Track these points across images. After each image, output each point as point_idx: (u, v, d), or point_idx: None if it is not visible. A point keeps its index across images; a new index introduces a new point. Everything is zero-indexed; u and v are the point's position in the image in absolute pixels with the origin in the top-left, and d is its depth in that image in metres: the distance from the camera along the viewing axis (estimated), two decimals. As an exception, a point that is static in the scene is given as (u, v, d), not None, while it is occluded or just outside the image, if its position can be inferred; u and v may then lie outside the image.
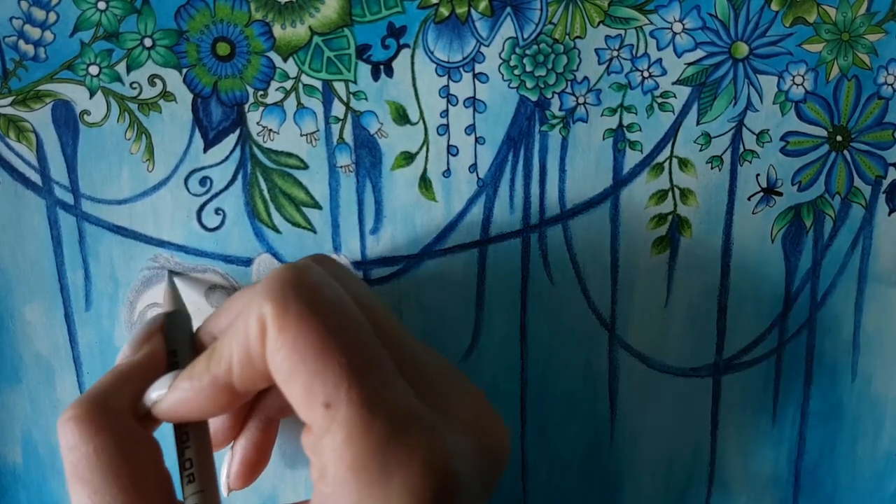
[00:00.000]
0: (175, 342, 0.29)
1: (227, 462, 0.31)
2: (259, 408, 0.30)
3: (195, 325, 0.30)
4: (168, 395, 0.27)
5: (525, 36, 0.33)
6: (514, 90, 0.33)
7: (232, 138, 0.33)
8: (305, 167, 0.33)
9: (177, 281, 0.33)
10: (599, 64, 0.33)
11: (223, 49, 0.32)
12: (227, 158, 0.33)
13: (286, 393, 0.25)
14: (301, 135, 0.33)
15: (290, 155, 0.33)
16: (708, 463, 0.37)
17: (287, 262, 0.27)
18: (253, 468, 0.31)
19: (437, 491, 0.24)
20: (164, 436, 0.28)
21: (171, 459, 0.28)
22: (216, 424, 0.30)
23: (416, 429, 0.24)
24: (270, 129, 0.33)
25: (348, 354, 0.24)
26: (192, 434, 0.28)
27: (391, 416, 0.24)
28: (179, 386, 0.27)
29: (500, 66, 0.33)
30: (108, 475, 0.25)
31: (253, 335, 0.25)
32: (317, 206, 0.34)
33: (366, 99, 0.33)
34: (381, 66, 0.33)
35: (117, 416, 0.26)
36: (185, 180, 0.33)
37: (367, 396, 0.24)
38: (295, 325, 0.24)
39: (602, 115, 0.34)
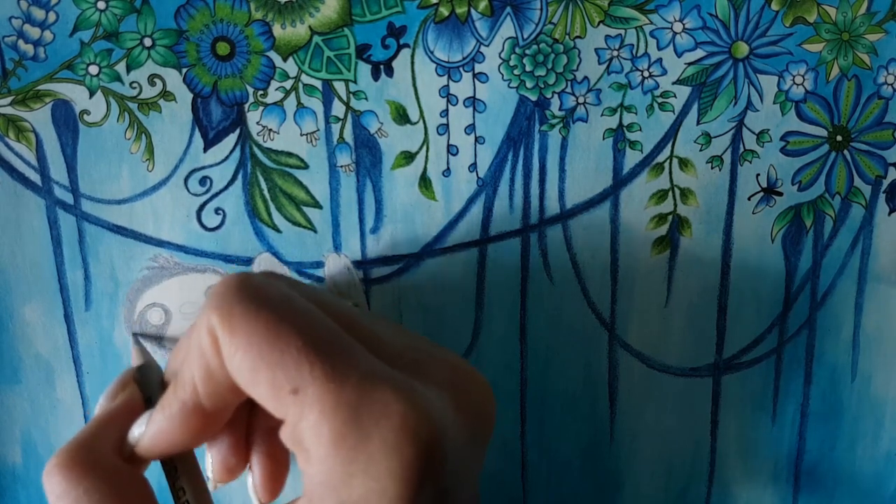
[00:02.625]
0: (149, 389, 0.29)
1: (251, 481, 0.31)
2: (258, 420, 0.30)
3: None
4: (146, 429, 0.27)
5: (525, 36, 0.33)
6: (513, 90, 0.33)
7: (232, 138, 0.33)
8: (305, 167, 0.33)
9: (177, 280, 0.33)
10: (599, 64, 0.33)
11: (223, 49, 0.32)
12: (226, 158, 0.33)
13: (253, 395, 0.24)
14: (301, 134, 0.33)
15: (290, 155, 0.33)
16: (708, 463, 0.37)
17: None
18: (275, 478, 0.31)
19: (420, 446, 0.23)
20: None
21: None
22: (224, 450, 0.30)
23: (385, 387, 0.24)
24: (270, 129, 0.33)
25: (303, 337, 0.24)
26: (179, 466, 0.28)
27: (358, 381, 0.24)
28: (154, 419, 0.27)
29: (499, 65, 0.33)
30: None
31: (207, 349, 0.25)
32: (317, 205, 0.34)
33: (366, 99, 0.33)
34: (381, 66, 0.33)
35: (102, 458, 0.27)
36: (185, 180, 0.33)
37: (330, 369, 0.24)
38: (244, 324, 0.24)
39: (602, 114, 0.34)
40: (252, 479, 0.31)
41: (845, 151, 0.35)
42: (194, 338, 0.25)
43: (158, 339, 0.34)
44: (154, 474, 0.28)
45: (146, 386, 0.30)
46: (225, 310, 0.24)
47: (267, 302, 0.24)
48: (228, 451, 0.30)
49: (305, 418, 0.23)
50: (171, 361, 0.29)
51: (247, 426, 0.31)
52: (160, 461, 0.28)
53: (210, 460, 0.30)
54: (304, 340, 0.24)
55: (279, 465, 0.31)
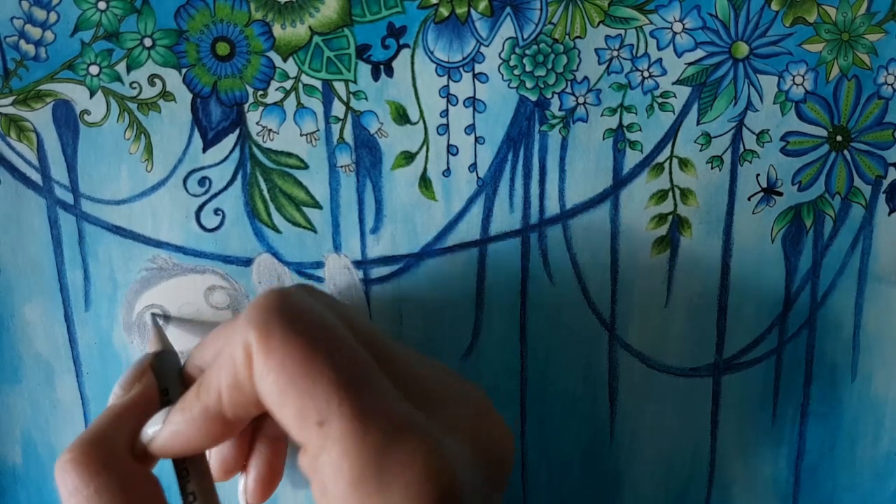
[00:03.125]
0: (165, 380, 0.29)
1: (243, 482, 0.31)
2: (265, 427, 0.31)
3: (190, 330, 0.31)
4: (162, 430, 0.27)
5: (525, 36, 0.33)
6: (513, 90, 0.33)
7: (231, 138, 0.33)
8: (305, 167, 0.33)
9: (176, 281, 0.33)
10: (599, 64, 0.33)
11: (223, 49, 0.32)
12: (226, 158, 0.33)
13: (278, 416, 0.25)
14: (301, 135, 0.33)
15: (290, 155, 0.33)
16: (708, 463, 0.37)
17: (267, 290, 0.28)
18: (267, 484, 0.31)
19: (439, 496, 0.24)
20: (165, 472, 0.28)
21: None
22: (226, 450, 0.30)
23: (411, 436, 0.24)
24: (270, 129, 0.33)
25: (336, 370, 0.24)
26: (191, 468, 0.28)
27: (385, 425, 0.24)
28: (172, 420, 0.27)
29: (499, 66, 0.33)
30: None
31: (240, 363, 0.25)
32: (317, 205, 0.34)
33: (366, 99, 0.33)
34: (381, 66, 0.33)
35: (115, 455, 0.27)
36: (184, 180, 0.33)
37: (358, 409, 0.24)
38: (280, 348, 0.24)
39: (602, 115, 0.34)
40: (244, 481, 0.31)
41: (845, 151, 0.35)
42: (228, 347, 0.25)
43: (179, 321, 0.34)
44: (161, 473, 0.28)
45: (163, 375, 0.29)
46: (264, 330, 0.24)
47: (305, 328, 0.25)
48: (230, 452, 0.30)
49: (327, 452, 0.24)
50: (197, 356, 0.29)
51: (252, 430, 0.31)
52: (173, 463, 0.28)
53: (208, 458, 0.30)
54: (338, 374, 0.24)
55: (274, 472, 0.31)
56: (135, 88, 0.32)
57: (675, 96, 0.34)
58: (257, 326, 0.24)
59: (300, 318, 0.25)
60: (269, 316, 0.25)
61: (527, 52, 0.33)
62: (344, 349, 0.25)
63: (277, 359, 0.24)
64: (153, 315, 0.33)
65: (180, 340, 0.34)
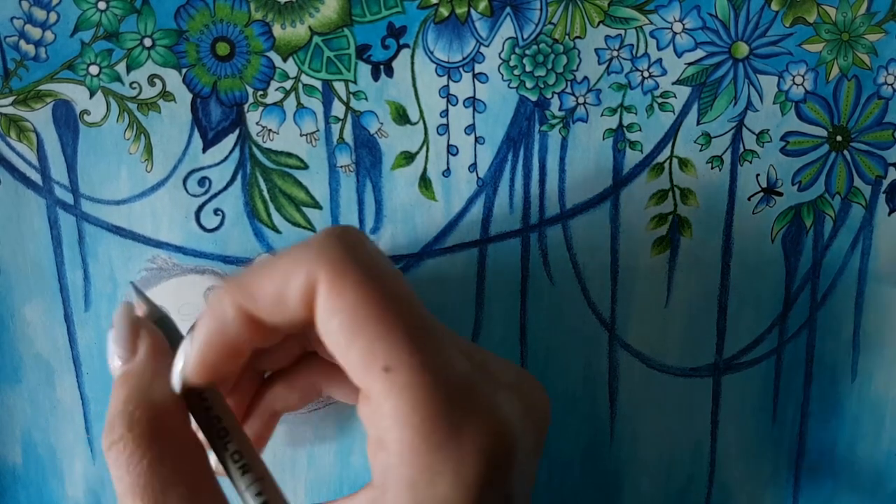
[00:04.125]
0: (174, 335, 0.28)
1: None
2: (264, 400, 0.30)
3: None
4: (193, 341, 0.25)
5: (525, 36, 0.33)
6: (513, 90, 0.33)
7: (231, 138, 0.33)
8: (305, 167, 0.33)
9: (175, 281, 0.33)
10: (599, 64, 0.33)
11: (223, 49, 0.32)
12: (226, 158, 0.33)
13: (340, 357, 0.24)
14: (301, 135, 0.33)
15: (289, 155, 0.33)
16: (708, 463, 0.37)
17: (327, 228, 0.27)
18: None
19: (504, 449, 0.23)
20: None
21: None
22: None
23: (475, 391, 0.24)
24: (270, 129, 0.33)
25: (406, 320, 0.23)
26: (227, 426, 0.26)
27: (451, 380, 0.23)
28: (201, 323, 0.25)
29: (499, 66, 0.33)
30: (165, 484, 0.25)
31: (296, 287, 0.24)
32: (317, 205, 0.34)
33: (366, 99, 0.33)
34: (381, 66, 0.33)
35: (159, 420, 0.25)
36: (184, 180, 0.33)
37: (428, 361, 0.23)
38: (355, 289, 0.23)
39: (602, 115, 0.34)
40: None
41: (845, 151, 0.35)
42: (282, 269, 0.24)
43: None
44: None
45: (171, 333, 0.28)
46: (339, 267, 0.23)
47: (380, 274, 0.24)
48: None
49: (393, 401, 0.23)
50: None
51: (249, 403, 0.30)
52: (201, 425, 0.27)
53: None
54: (408, 323, 0.23)
55: (258, 441, 0.31)
56: (135, 88, 0.32)
57: (675, 96, 0.34)
58: (330, 262, 0.23)
59: (374, 263, 0.24)
60: (344, 254, 0.24)
61: (527, 52, 0.33)
62: (412, 302, 0.24)
63: (350, 300, 0.23)
64: (132, 283, 0.31)
65: (191, 296, 0.34)
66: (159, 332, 0.28)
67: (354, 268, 0.24)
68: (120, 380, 0.26)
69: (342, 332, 0.23)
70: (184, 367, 0.26)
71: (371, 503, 0.24)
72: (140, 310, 0.29)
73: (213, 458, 0.27)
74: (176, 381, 0.26)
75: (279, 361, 0.30)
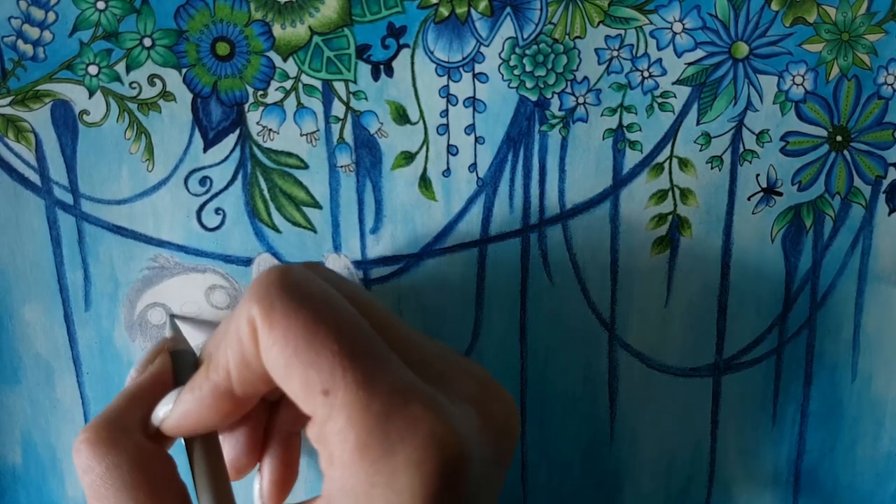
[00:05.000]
0: (182, 373, 0.30)
1: (258, 483, 0.31)
2: (277, 424, 0.31)
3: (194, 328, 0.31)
4: (173, 409, 0.27)
5: (525, 36, 0.33)
6: (513, 90, 0.33)
7: (232, 138, 0.33)
8: (305, 167, 0.33)
9: (177, 280, 0.33)
10: (599, 64, 0.33)
11: (223, 49, 0.32)
12: (226, 158, 0.33)
13: (285, 389, 0.25)
14: (301, 134, 0.33)
15: (290, 155, 0.33)
16: (708, 463, 0.37)
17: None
18: (283, 485, 0.31)
19: (444, 462, 0.24)
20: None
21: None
22: (237, 448, 0.30)
23: (415, 402, 0.24)
24: (270, 129, 0.33)
25: (339, 341, 0.24)
26: (203, 451, 0.28)
27: (389, 392, 0.24)
28: (183, 399, 0.27)
29: (499, 66, 0.33)
30: (123, 490, 0.26)
31: (245, 338, 0.25)
32: (317, 205, 0.34)
33: (366, 99, 0.33)
34: (381, 66, 0.33)
35: (127, 433, 0.27)
36: (185, 180, 0.33)
37: (362, 377, 0.24)
38: (283, 320, 0.24)
39: (602, 115, 0.34)
40: (260, 482, 0.31)
41: (845, 151, 0.35)
42: (233, 324, 0.25)
43: (194, 322, 0.34)
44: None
45: (180, 367, 0.30)
46: (266, 303, 0.24)
47: (307, 299, 0.25)
48: (242, 450, 0.30)
49: (333, 421, 0.24)
50: (208, 345, 0.29)
51: (265, 428, 0.31)
52: (185, 444, 0.28)
53: None
54: (341, 344, 0.24)
55: (290, 471, 0.31)
56: (134, 88, 0.32)
57: (674, 96, 0.34)
58: (259, 300, 0.24)
59: (301, 290, 0.25)
60: (271, 289, 0.25)
61: (527, 52, 0.33)
62: (347, 320, 0.25)
63: (280, 330, 0.24)
64: (171, 316, 0.34)
65: (192, 295, 0.34)
66: (168, 365, 0.30)
67: (281, 298, 0.24)
68: (120, 391, 0.29)
69: (279, 363, 0.24)
70: (163, 419, 0.28)
71: None
72: (169, 336, 0.32)
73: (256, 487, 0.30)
74: (155, 419, 0.28)
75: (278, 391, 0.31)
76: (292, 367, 0.24)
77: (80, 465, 0.26)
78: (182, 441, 0.28)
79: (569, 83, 0.33)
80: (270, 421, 0.30)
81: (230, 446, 0.30)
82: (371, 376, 0.24)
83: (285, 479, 0.31)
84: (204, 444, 0.28)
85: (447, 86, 0.33)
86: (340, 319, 0.25)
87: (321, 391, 0.24)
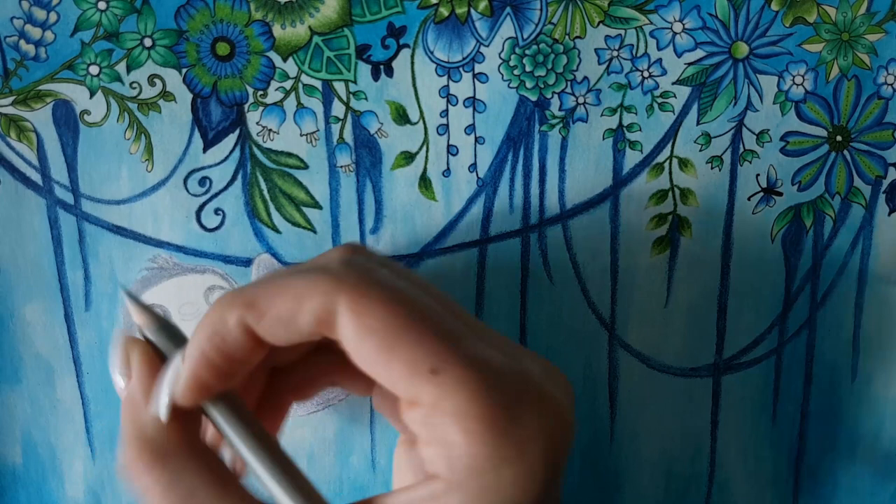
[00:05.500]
0: (171, 341, 0.27)
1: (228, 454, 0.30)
2: (277, 392, 0.30)
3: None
4: (189, 353, 0.25)
5: (525, 36, 0.33)
6: (513, 90, 0.33)
7: (231, 138, 0.33)
8: (305, 167, 0.33)
9: (176, 280, 0.33)
10: (599, 64, 0.33)
11: (223, 49, 0.32)
12: (226, 158, 0.33)
13: (380, 372, 0.24)
14: (301, 135, 0.33)
15: (290, 155, 0.33)
16: (708, 463, 0.37)
17: (334, 251, 0.27)
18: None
19: (564, 430, 0.24)
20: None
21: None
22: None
23: (529, 375, 0.25)
24: (270, 129, 0.33)
25: (440, 325, 0.24)
26: (228, 408, 0.26)
27: (498, 366, 0.24)
28: (194, 343, 0.25)
29: (499, 66, 0.33)
30: (187, 499, 0.25)
31: (310, 312, 0.24)
32: (317, 205, 0.34)
33: (366, 99, 0.33)
34: (381, 66, 0.33)
35: (163, 446, 0.25)
36: (185, 180, 0.33)
37: (473, 353, 0.24)
38: (382, 309, 0.24)
39: (602, 115, 0.34)
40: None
41: (845, 151, 0.35)
42: (293, 287, 0.24)
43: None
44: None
45: (164, 341, 0.27)
46: (361, 292, 0.24)
47: (402, 288, 0.25)
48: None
49: (448, 399, 0.23)
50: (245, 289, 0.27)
51: (263, 393, 0.30)
52: (208, 416, 0.26)
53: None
54: (437, 327, 0.24)
55: (271, 430, 0.30)
56: (135, 88, 0.32)
57: (674, 96, 0.34)
58: (350, 288, 0.24)
59: (391, 278, 0.25)
60: (362, 278, 0.24)
61: (527, 52, 0.33)
62: (440, 303, 0.25)
63: (380, 319, 0.24)
64: (124, 290, 0.29)
65: (191, 295, 0.34)
66: (148, 351, 0.27)
67: (377, 289, 0.24)
68: (123, 403, 0.27)
69: (380, 350, 0.24)
70: (173, 391, 0.25)
71: (433, 494, 0.24)
72: (136, 317, 0.28)
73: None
74: (162, 408, 0.25)
75: (290, 357, 0.30)
76: (395, 350, 0.24)
77: (137, 490, 0.25)
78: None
79: (569, 83, 0.33)
80: (268, 387, 0.29)
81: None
82: (479, 352, 0.24)
83: None
84: (228, 405, 0.26)
85: (447, 86, 0.33)
86: (436, 302, 0.25)
87: (429, 370, 0.23)
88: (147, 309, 0.27)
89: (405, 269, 0.28)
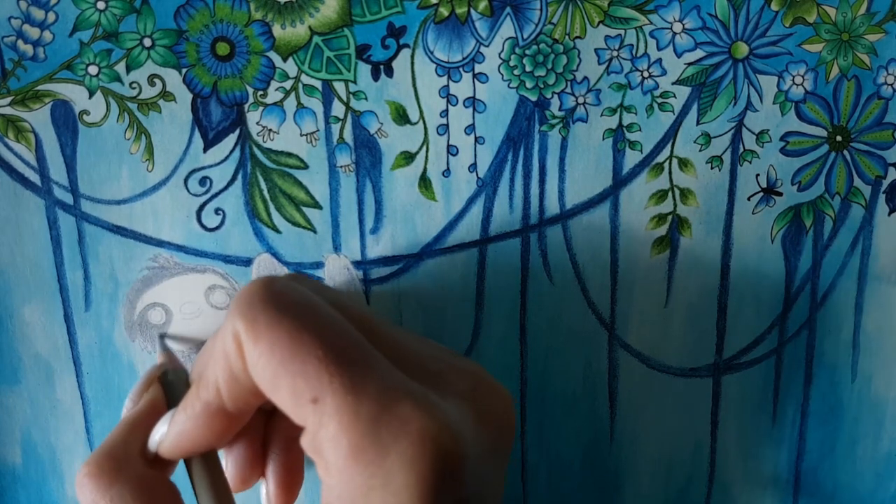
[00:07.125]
0: (175, 393, 0.30)
1: (264, 490, 0.31)
2: (276, 431, 0.31)
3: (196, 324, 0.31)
4: (168, 431, 0.27)
5: (525, 36, 0.33)
6: (513, 90, 0.33)
7: (232, 138, 0.33)
8: (305, 167, 0.33)
9: (177, 280, 0.33)
10: (599, 64, 0.33)
11: (223, 49, 0.32)
12: (226, 158, 0.33)
13: (275, 401, 0.25)
14: (301, 135, 0.33)
15: (290, 155, 0.33)
16: (708, 463, 0.37)
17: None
18: (289, 489, 0.31)
19: (438, 458, 0.24)
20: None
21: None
22: (240, 459, 0.30)
23: (405, 402, 0.24)
24: (270, 129, 0.33)
25: (324, 347, 0.24)
26: (202, 467, 0.28)
27: (378, 394, 0.24)
28: (177, 420, 0.27)
29: (499, 66, 0.33)
30: None
31: (231, 353, 0.25)
32: (317, 205, 0.34)
33: (366, 99, 0.33)
34: (381, 66, 0.33)
35: (129, 463, 0.27)
36: (185, 180, 0.33)
37: (350, 382, 0.24)
38: (266, 332, 0.24)
39: (602, 115, 0.34)
40: (266, 489, 0.31)
41: (845, 151, 0.35)
42: (219, 341, 0.25)
43: (184, 340, 0.34)
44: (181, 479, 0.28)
45: (173, 391, 0.30)
46: (249, 316, 0.24)
47: (290, 309, 0.25)
48: (245, 461, 0.30)
49: (324, 428, 0.24)
50: (197, 364, 0.29)
51: (264, 436, 0.31)
52: (185, 465, 0.28)
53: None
54: (326, 350, 0.24)
55: (294, 476, 0.31)
56: (134, 88, 0.32)
57: (674, 96, 0.34)
58: (242, 314, 0.25)
59: (283, 301, 0.25)
60: (253, 302, 0.25)
61: (527, 52, 0.33)
62: (330, 326, 0.25)
63: (266, 342, 0.24)
64: (160, 336, 0.34)
65: (192, 295, 0.34)
66: (160, 392, 0.30)
67: (264, 310, 0.25)
68: (118, 423, 0.29)
69: (266, 375, 0.24)
70: (160, 443, 0.28)
71: None
72: (159, 358, 0.32)
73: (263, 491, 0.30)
74: (152, 444, 0.28)
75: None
76: (279, 377, 0.24)
77: (85, 500, 0.26)
78: (183, 465, 0.29)
79: (569, 83, 0.33)
80: (269, 428, 0.31)
81: (232, 459, 0.30)
82: (359, 380, 0.24)
83: (290, 484, 0.31)
84: (203, 463, 0.28)
85: (447, 86, 0.33)
86: (324, 326, 0.25)
87: (310, 399, 0.24)
88: (170, 358, 0.32)
89: (333, 291, 0.29)
